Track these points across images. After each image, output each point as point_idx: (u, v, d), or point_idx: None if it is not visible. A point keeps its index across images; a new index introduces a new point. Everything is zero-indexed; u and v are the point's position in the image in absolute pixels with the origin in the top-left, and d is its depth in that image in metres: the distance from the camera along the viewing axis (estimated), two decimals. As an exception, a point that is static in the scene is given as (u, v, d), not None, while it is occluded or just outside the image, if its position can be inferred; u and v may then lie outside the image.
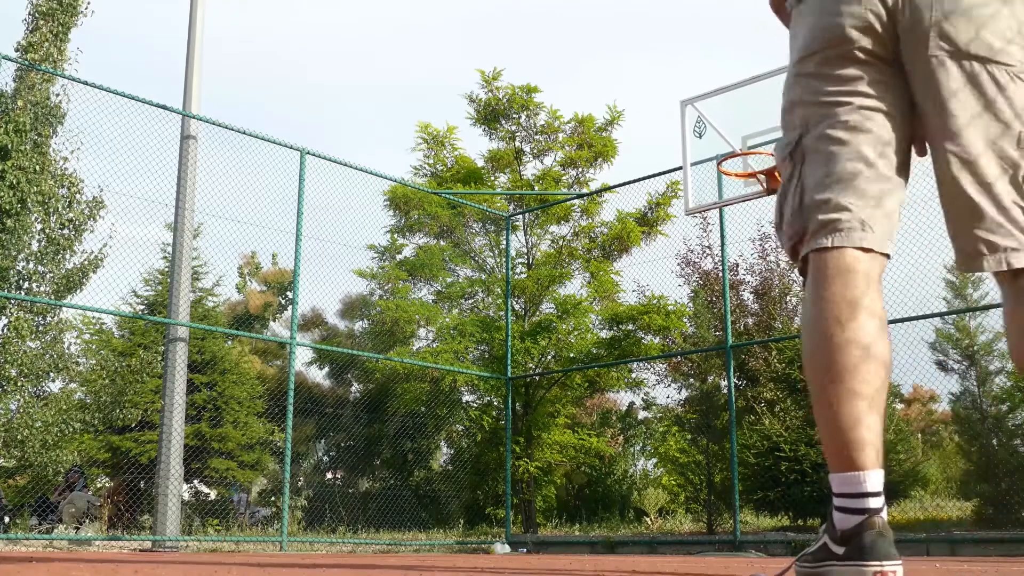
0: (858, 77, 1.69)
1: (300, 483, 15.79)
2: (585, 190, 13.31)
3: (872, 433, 1.56)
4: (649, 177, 10.83)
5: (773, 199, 7.26)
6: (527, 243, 13.23)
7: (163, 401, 8.75)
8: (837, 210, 1.65)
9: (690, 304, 11.33)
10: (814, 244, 1.68)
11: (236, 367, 14.20)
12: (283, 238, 9.12)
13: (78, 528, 11.35)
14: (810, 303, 1.66)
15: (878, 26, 1.66)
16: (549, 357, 12.46)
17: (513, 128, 13.45)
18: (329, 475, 17.10)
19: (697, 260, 11.36)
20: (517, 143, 13.54)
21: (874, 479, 1.56)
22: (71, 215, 10.26)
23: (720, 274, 10.07)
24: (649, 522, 12.41)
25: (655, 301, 11.68)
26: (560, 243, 13.06)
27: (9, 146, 9.55)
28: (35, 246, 10.06)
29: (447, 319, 12.55)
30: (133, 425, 11.86)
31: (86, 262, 10.37)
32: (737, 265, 10.99)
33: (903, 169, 1.73)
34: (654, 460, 14.25)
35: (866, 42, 1.67)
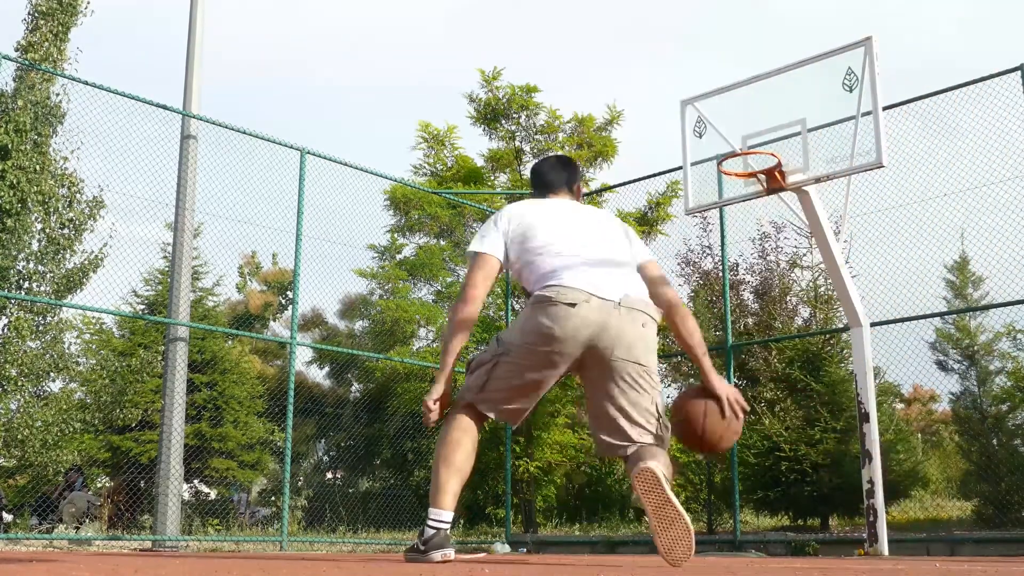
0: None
1: (300, 483, 15.78)
2: (585, 190, 13.32)
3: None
4: (649, 177, 10.84)
5: (774, 199, 7.26)
6: (527, 243, 13.22)
7: (163, 401, 8.75)
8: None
9: (690, 304, 11.33)
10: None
11: (236, 367, 14.19)
12: (283, 238, 9.11)
13: (78, 528, 11.36)
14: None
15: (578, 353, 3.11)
16: (549, 357, 12.46)
17: (513, 128, 13.46)
18: (329, 475, 17.11)
19: (697, 260, 11.36)
20: (517, 143, 13.54)
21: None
22: (71, 215, 10.26)
23: (720, 274, 10.06)
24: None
25: (655, 301, 11.68)
26: (560, 243, 13.06)
27: (9, 146, 9.55)
28: (35, 246, 10.05)
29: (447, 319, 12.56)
30: (133, 425, 11.86)
31: (86, 262, 10.37)
32: (737, 265, 10.99)
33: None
34: (654, 460, 14.24)
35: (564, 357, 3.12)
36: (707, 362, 3.17)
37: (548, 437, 12.28)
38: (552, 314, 2.98)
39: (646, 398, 3.05)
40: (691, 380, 11.03)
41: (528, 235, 3.19)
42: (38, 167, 9.79)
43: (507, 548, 9.73)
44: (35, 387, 10.10)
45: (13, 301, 9.69)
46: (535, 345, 3.03)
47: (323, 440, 17.02)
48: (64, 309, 10.42)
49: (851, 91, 6.64)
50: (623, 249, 3.28)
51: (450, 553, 3.04)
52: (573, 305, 2.96)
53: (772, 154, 6.90)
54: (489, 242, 3.24)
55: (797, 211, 7.09)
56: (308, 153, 9.23)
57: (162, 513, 8.32)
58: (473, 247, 3.25)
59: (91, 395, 11.03)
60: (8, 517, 11.92)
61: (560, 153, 3.66)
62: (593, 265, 3.10)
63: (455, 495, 3.10)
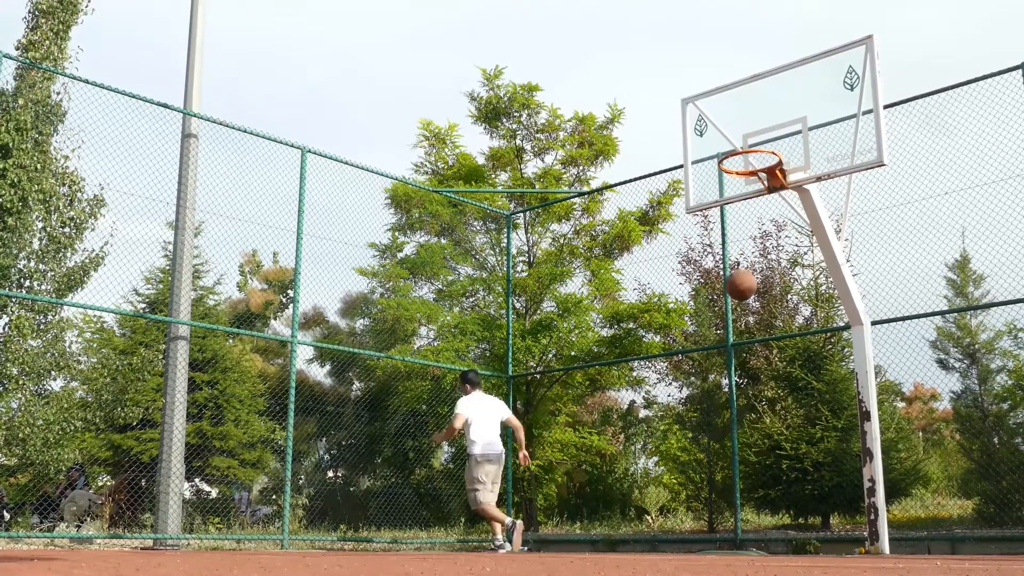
0: None
1: (301, 481, 15.79)
2: (586, 188, 13.31)
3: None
4: (650, 175, 10.84)
5: (774, 197, 7.26)
6: (528, 241, 13.23)
7: (164, 399, 8.76)
8: None
9: (691, 302, 11.32)
10: None
11: (237, 365, 14.18)
12: (284, 236, 9.13)
13: (79, 526, 11.36)
14: None
15: None
16: (550, 355, 12.46)
17: (514, 126, 13.45)
18: (330, 473, 17.10)
19: (698, 258, 11.35)
20: (518, 141, 13.54)
21: None
22: (72, 213, 10.24)
23: (721, 272, 10.06)
24: (650, 520, 12.41)
25: (656, 299, 11.68)
26: (561, 241, 13.06)
27: (10, 144, 9.54)
28: (36, 244, 10.04)
29: (448, 317, 12.55)
30: (134, 423, 11.84)
31: (87, 260, 10.35)
32: (738, 263, 10.98)
33: None
34: (655, 458, 14.25)
35: None
36: (522, 438, 8.63)
37: (549, 436, 12.28)
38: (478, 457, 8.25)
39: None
40: (691, 378, 11.06)
41: (468, 415, 8.30)
42: (39, 166, 9.78)
43: (508, 547, 9.72)
44: (36, 386, 10.09)
45: (14, 300, 9.69)
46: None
47: (324, 439, 17.01)
48: (65, 308, 10.42)
49: (852, 89, 6.63)
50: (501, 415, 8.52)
51: None
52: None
53: (773, 152, 6.90)
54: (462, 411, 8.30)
55: (798, 209, 7.09)
56: (309, 152, 9.23)
57: (163, 511, 8.32)
58: (456, 410, 8.34)
59: (92, 393, 11.01)
60: (9, 516, 11.93)
61: (473, 368, 8.86)
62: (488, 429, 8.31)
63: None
